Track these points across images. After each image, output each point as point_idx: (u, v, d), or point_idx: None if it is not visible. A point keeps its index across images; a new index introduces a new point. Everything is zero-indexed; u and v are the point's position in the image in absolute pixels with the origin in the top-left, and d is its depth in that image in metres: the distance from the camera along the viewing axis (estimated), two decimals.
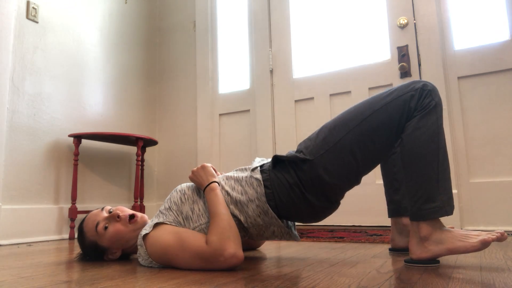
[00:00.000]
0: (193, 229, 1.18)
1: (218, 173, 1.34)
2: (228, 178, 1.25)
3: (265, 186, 1.17)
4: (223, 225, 1.07)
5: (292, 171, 1.15)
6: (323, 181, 1.12)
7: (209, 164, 1.26)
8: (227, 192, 1.20)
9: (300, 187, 1.13)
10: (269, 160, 1.27)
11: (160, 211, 1.24)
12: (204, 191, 1.19)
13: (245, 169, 1.26)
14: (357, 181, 1.16)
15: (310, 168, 1.12)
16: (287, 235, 1.22)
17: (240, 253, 1.04)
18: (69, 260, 1.35)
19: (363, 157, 1.11)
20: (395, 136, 1.11)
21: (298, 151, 1.17)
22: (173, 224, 1.18)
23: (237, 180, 1.22)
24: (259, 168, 1.22)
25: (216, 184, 1.19)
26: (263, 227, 1.19)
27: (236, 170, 1.28)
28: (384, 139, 1.10)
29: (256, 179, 1.18)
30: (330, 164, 1.11)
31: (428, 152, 1.06)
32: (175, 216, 1.20)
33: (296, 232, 1.29)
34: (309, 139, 1.18)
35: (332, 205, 1.18)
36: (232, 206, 1.18)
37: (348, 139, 1.11)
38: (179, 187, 1.27)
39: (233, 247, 1.04)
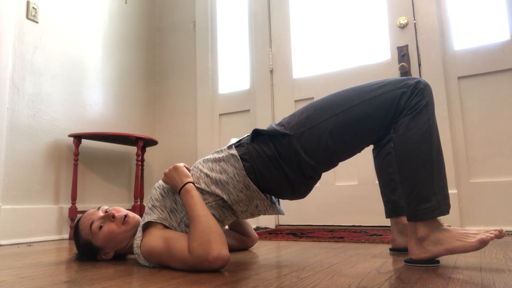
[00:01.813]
0: (181, 219, 1.19)
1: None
2: (205, 161, 1.25)
3: (244, 160, 1.17)
4: (201, 229, 1.06)
5: (271, 144, 1.15)
6: (299, 158, 1.12)
7: (181, 164, 1.24)
8: (206, 174, 1.20)
9: (278, 160, 1.14)
10: (245, 135, 1.27)
11: (145, 212, 1.24)
12: (179, 193, 1.17)
13: (222, 150, 1.26)
14: (332, 165, 1.17)
15: (288, 142, 1.13)
16: (271, 209, 1.22)
17: (224, 253, 1.03)
18: (69, 260, 1.35)
19: (341, 143, 1.11)
20: (379, 129, 1.11)
21: (280, 124, 1.18)
22: (158, 221, 1.18)
23: (215, 160, 1.22)
24: (233, 146, 1.22)
25: (191, 184, 1.17)
26: (246, 201, 1.20)
27: (213, 153, 1.28)
28: (367, 130, 1.10)
29: (233, 155, 1.18)
30: (308, 143, 1.12)
31: (421, 152, 1.05)
32: (160, 213, 1.20)
33: (280, 207, 1.30)
34: (293, 114, 1.19)
35: (307, 180, 1.18)
36: (213, 187, 1.18)
37: (331, 123, 1.11)
38: (156, 184, 1.28)
39: (215, 250, 1.02)
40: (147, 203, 1.26)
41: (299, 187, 1.18)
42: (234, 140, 1.27)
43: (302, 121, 1.14)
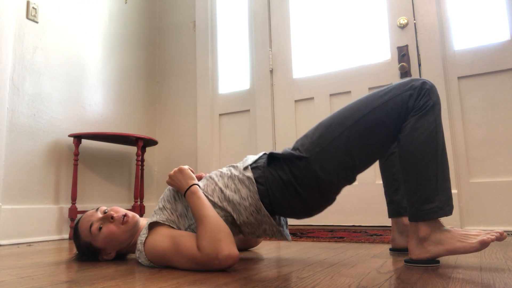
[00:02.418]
0: (189, 225, 1.18)
1: (204, 174, 1.35)
2: (222, 175, 1.24)
3: (259, 183, 1.16)
4: (211, 228, 1.05)
5: (287, 168, 1.14)
6: (318, 179, 1.11)
7: (186, 166, 1.23)
8: (220, 189, 1.19)
9: (294, 184, 1.12)
10: (261, 154, 1.26)
11: (154, 211, 1.24)
12: (184, 195, 1.17)
13: (237, 167, 1.24)
14: (352, 180, 1.16)
15: (305, 165, 1.12)
16: (278, 234, 1.22)
17: (234, 252, 1.03)
18: (69, 260, 1.35)
19: (358, 155, 1.10)
20: (392, 135, 1.10)
21: (294, 148, 1.17)
22: (166, 223, 1.17)
23: (231, 177, 1.21)
24: (249, 167, 1.21)
25: (197, 187, 1.16)
26: (255, 225, 1.18)
27: (229, 167, 1.27)
28: (381, 138, 1.10)
29: (248, 177, 1.17)
30: (326, 162, 1.10)
31: (427, 152, 1.05)
32: (169, 215, 1.19)
33: (287, 231, 1.29)
34: (305, 136, 1.17)
35: (326, 202, 1.17)
36: (225, 203, 1.17)
37: (344, 137, 1.10)
38: (171, 186, 1.27)
39: (226, 248, 1.02)
40: (158, 202, 1.25)
41: (317, 208, 1.18)
42: (250, 160, 1.25)
43: (315, 141, 1.13)
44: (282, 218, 1.29)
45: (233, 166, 1.26)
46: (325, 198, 1.15)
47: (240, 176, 1.19)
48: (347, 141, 1.10)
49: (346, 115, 1.12)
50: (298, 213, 1.19)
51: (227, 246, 1.02)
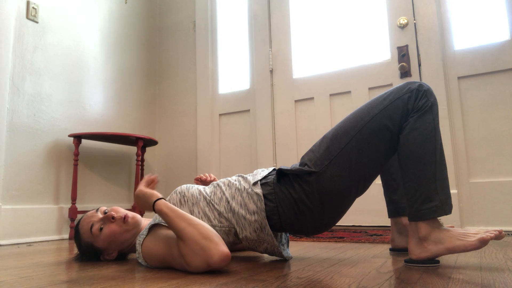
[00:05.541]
0: None
1: (207, 175, 1.33)
2: (229, 184, 1.22)
3: (269, 200, 1.15)
4: (190, 241, 1.00)
5: (297, 185, 1.13)
6: (330, 193, 1.10)
7: (142, 188, 1.15)
8: (227, 199, 1.18)
9: (306, 202, 1.11)
10: (271, 170, 1.25)
11: None
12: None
13: (246, 178, 1.23)
14: (364, 189, 1.15)
15: (316, 180, 1.11)
16: (279, 254, 1.21)
17: (223, 252, 0.98)
18: (69, 260, 1.35)
19: (367, 162, 1.11)
20: (397, 138, 1.11)
21: (302, 164, 1.15)
22: (166, 225, 1.17)
23: (239, 189, 1.19)
24: (259, 182, 1.19)
25: (159, 203, 1.09)
26: (256, 242, 1.18)
27: (238, 176, 1.26)
28: (386, 142, 1.11)
29: (257, 193, 1.16)
30: (336, 174, 1.10)
31: (426, 152, 1.06)
32: None
33: (288, 250, 1.29)
34: (311, 151, 1.17)
35: (338, 216, 1.16)
36: (230, 214, 1.16)
37: (351, 146, 1.10)
38: (178, 189, 1.25)
39: (214, 254, 0.98)
40: None
41: (328, 224, 1.17)
42: (259, 175, 1.23)
43: (323, 155, 1.12)
44: (283, 237, 1.29)
45: (242, 177, 1.24)
46: (338, 212, 1.15)
47: (249, 190, 1.18)
48: (354, 150, 1.10)
49: (350, 124, 1.12)
50: (309, 230, 1.18)
51: (214, 250, 0.98)
